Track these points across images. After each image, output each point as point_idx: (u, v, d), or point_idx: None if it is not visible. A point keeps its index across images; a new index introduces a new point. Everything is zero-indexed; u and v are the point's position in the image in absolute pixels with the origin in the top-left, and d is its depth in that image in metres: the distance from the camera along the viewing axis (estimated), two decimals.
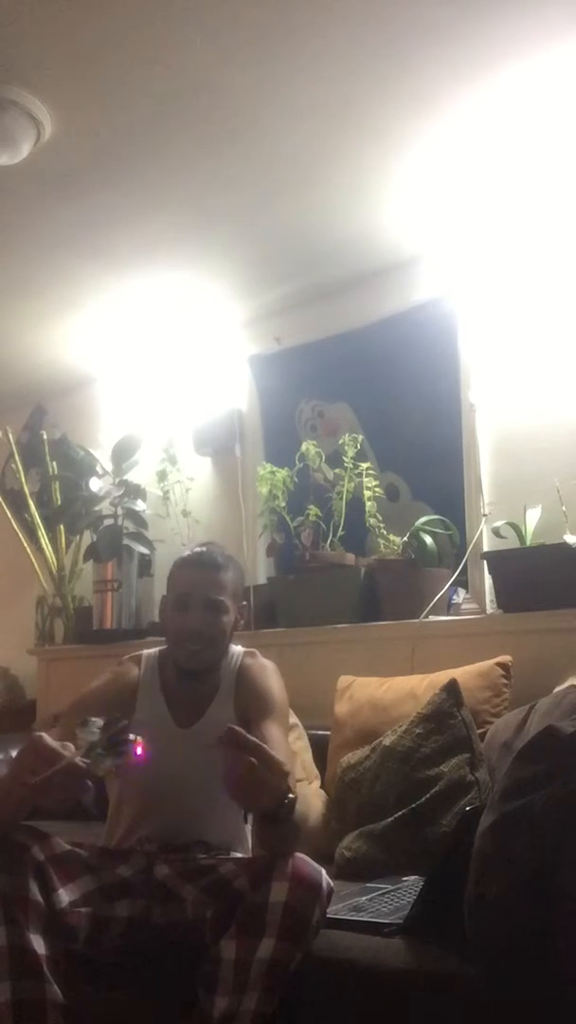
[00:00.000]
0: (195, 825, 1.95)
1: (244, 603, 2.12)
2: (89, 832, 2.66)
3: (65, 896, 1.70)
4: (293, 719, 2.77)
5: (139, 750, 1.58)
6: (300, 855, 1.68)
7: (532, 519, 2.70)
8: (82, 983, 1.72)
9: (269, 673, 2.07)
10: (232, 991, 1.56)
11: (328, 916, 1.75)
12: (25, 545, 4.08)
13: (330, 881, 1.68)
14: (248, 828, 2.02)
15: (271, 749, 1.63)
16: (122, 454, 3.73)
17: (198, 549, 2.11)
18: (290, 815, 1.64)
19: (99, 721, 1.61)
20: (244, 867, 1.75)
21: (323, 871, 1.68)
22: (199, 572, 2.01)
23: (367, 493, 3.05)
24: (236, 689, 2.03)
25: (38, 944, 1.59)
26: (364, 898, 1.92)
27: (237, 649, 2.10)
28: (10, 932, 1.58)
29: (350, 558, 3.11)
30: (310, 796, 2.57)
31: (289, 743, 2.09)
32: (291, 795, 1.62)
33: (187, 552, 2.12)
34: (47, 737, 1.59)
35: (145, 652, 2.12)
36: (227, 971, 1.58)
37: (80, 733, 1.59)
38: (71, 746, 1.56)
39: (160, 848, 1.90)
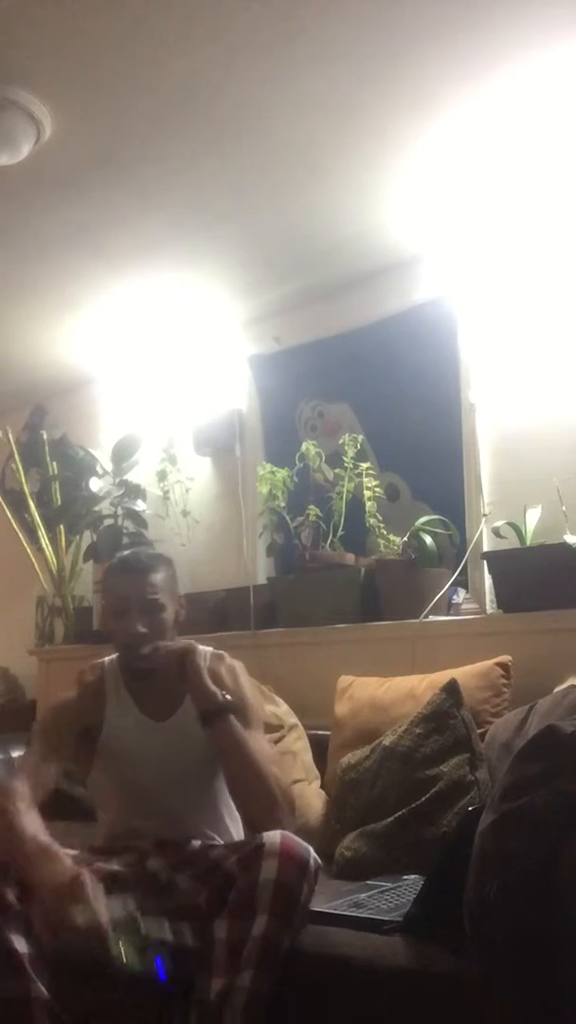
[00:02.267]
0: (183, 815, 1.97)
1: (182, 595, 2.15)
2: (85, 831, 2.67)
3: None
4: (293, 719, 2.78)
5: (162, 972, 1.65)
6: (287, 833, 1.72)
7: (532, 519, 2.70)
8: (76, 983, 1.72)
9: (238, 675, 2.11)
10: (227, 971, 1.59)
11: (327, 912, 1.76)
12: (25, 545, 4.08)
13: (317, 858, 1.72)
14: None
15: (262, 761, 1.88)
16: (122, 454, 3.73)
17: (124, 554, 2.16)
18: (227, 714, 1.89)
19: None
20: (233, 849, 1.78)
21: (311, 848, 1.71)
22: (130, 577, 2.04)
23: (367, 493, 3.05)
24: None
25: (19, 943, 1.62)
26: (364, 895, 1.92)
27: (204, 649, 2.11)
28: None
29: (350, 558, 3.11)
30: (310, 796, 2.57)
31: (270, 745, 2.16)
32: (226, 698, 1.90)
33: (115, 559, 2.16)
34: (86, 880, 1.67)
35: (105, 659, 2.16)
36: (221, 951, 1.61)
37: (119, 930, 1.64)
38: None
39: (153, 845, 1.91)
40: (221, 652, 2.14)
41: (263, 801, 1.85)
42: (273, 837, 1.69)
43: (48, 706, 2.15)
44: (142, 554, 2.12)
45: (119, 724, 2.05)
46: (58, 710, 2.12)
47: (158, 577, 2.04)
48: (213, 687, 1.95)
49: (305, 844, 1.71)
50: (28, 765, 2.03)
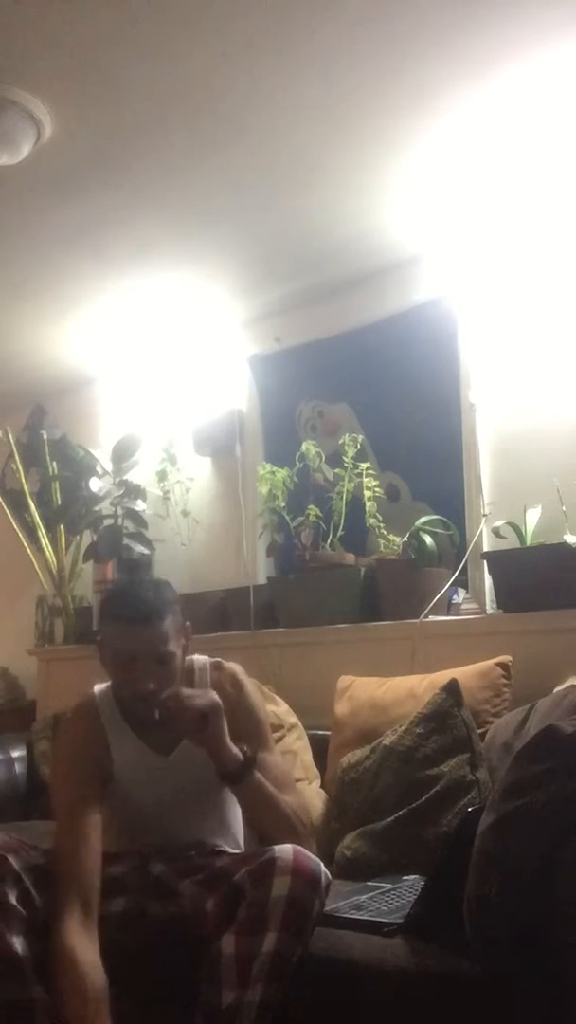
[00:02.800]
0: (190, 836, 1.93)
1: (187, 624, 1.94)
2: None
3: (45, 900, 1.70)
4: (293, 719, 2.78)
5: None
6: (299, 848, 1.69)
7: (532, 519, 2.70)
8: None
9: (246, 687, 2.00)
10: (237, 985, 1.58)
11: (329, 914, 1.76)
12: (25, 545, 4.08)
13: (328, 873, 1.70)
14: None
15: (274, 780, 1.86)
16: (122, 454, 3.72)
17: (125, 590, 1.95)
18: (250, 773, 1.80)
19: None
20: (242, 861, 1.76)
21: (321, 863, 1.69)
22: (138, 629, 1.83)
23: (367, 493, 3.05)
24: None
25: (20, 946, 1.61)
26: (364, 897, 1.92)
27: (202, 662, 2.01)
28: None
29: (350, 558, 3.11)
30: (310, 796, 2.57)
31: (285, 761, 2.09)
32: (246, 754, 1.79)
33: (115, 593, 1.97)
34: None
35: (96, 690, 1.99)
36: (230, 965, 1.60)
37: None
38: None
39: (156, 850, 1.90)
40: (218, 660, 2.03)
41: (284, 837, 1.78)
42: (285, 852, 1.66)
43: (56, 774, 1.91)
44: (143, 597, 1.86)
45: (124, 759, 1.91)
46: (71, 770, 1.89)
47: (168, 623, 1.85)
48: (234, 748, 1.81)
49: (316, 859, 1.69)
50: (69, 845, 1.78)
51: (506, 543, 2.75)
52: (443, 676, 2.42)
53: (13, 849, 1.71)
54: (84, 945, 1.63)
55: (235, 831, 2.00)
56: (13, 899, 1.65)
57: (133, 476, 3.71)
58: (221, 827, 1.97)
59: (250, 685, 2.03)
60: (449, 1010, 1.57)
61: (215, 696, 1.83)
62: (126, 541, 3.57)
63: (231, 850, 1.94)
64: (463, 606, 2.94)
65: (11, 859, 1.69)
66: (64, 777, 1.91)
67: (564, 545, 2.52)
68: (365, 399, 3.40)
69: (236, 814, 1.99)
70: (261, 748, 1.91)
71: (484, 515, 2.91)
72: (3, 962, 1.59)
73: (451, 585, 2.88)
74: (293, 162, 2.62)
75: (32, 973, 1.60)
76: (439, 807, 2.17)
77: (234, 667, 2.03)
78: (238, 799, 1.88)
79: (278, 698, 2.83)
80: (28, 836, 1.83)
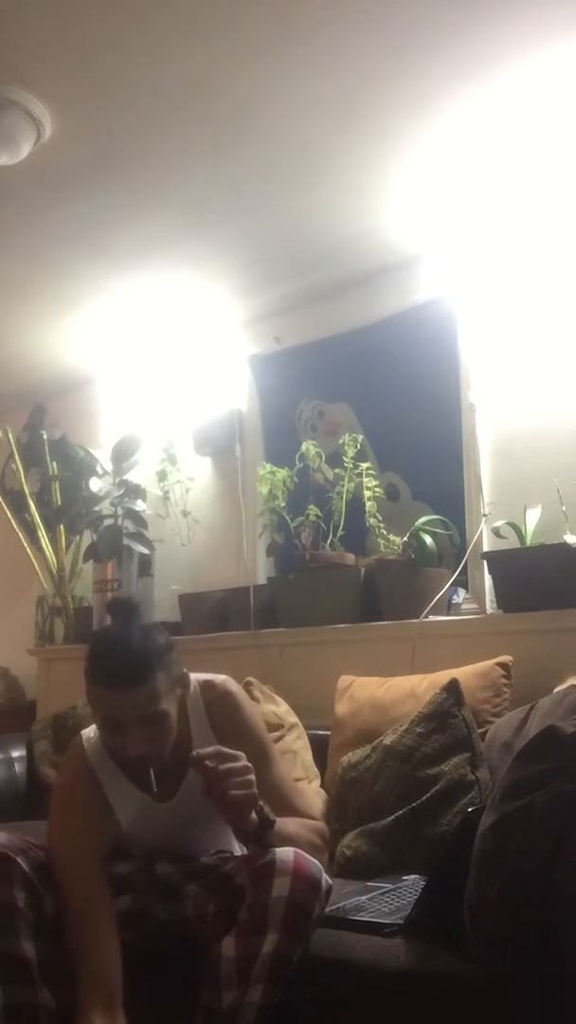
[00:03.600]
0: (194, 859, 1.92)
1: (184, 672, 1.81)
2: None
3: (52, 905, 1.69)
4: (293, 719, 2.78)
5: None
6: (299, 851, 1.68)
7: (532, 519, 2.70)
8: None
9: (236, 702, 1.90)
10: (237, 986, 1.58)
11: (329, 915, 1.76)
12: (25, 545, 4.08)
13: (329, 879, 1.69)
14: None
15: (272, 790, 1.78)
16: (122, 454, 3.72)
17: (110, 648, 1.74)
18: (268, 832, 1.69)
19: None
20: (244, 862, 1.75)
21: (322, 868, 1.69)
22: (124, 693, 1.68)
23: (367, 493, 3.05)
24: (216, 734, 1.85)
25: (28, 950, 1.61)
26: (364, 897, 1.92)
27: (193, 682, 1.87)
28: (1, 941, 1.59)
29: (350, 558, 3.11)
30: (310, 795, 2.57)
31: (287, 769, 2.01)
32: (268, 818, 1.69)
33: (97, 653, 1.74)
34: None
35: (84, 738, 1.86)
36: (230, 967, 1.60)
37: None
38: None
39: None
40: (208, 680, 1.90)
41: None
42: (285, 854, 1.66)
43: (55, 837, 1.76)
44: (127, 657, 1.70)
45: (126, 814, 1.82)
46: (73, 852, 1.75)
47: (154, 683, 1.69)
48: (251, 815, 1.68)
49: (316, 862, 1.68)
50: (83, 947, 1.65)
51: (506, 543, 2.75)
52: (443, 676, 2.42)
53: (21, 849, 1.70)
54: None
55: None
56: (21, 902, 1.64)
57: (133, 476, 3.71)
58: (227, 839, 1.95)
59: (243, 699, 1.93)
60: (449, 1010, 1.57)
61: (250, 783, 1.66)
62: (126, 541, 3.57)
63: (237, 852, 1.94)
64: (463, 606, 2.94)
65: (20, 860, 1.67)
66: (70, 859, 1.73)
67: (564, 545, 2.52)
68: (365, 399, 3.40)
69: None
70: (264, 764, 1.81)
71: (484, 515, 2.91)
72: (12, 965, 1.59)
73: (451, 585, 2.88)
74: (293, 162, 2.62)
75: (39, 977, 1.60)
76: (439, 807, 2.17)
77: (226, 684, 1.91)
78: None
79: (278, 698, 2.83)
80: (29, 836, 1.83)
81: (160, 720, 1.71)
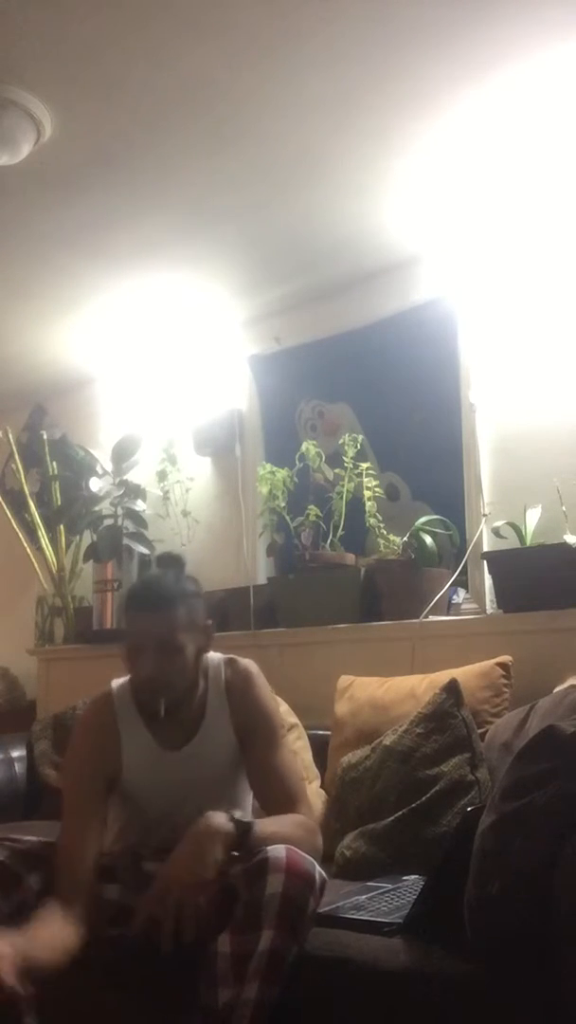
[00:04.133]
0: None
1: (209, 622, 1.99)
2: None
3: (38, 880, 1.69)
4: (293, 719, 2.78)
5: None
6: (292, 848, 1.69)
7: (532, 519, 2.70)
8: (79, 981, 1.72)
9: (258, 684, 2.01)
10: (233, 983, 1.58)
11: (328, 914, 1.76)
12: (25, 545, 4.08)
13: (323, 873, 1.70)
14: None
15: (275, 774, 1.87)
16: (122, 454, 3.72)
17: (146, 581, 2.01)
18: (248, 841, 1.71)
19: None
20: (236, 861, 1.75)
21: (316, 863, 1.69)
22: (145, 615, 1.90)
23: (367, 493, 3.05)
24: (230, 707, 1.98)
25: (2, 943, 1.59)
26: (364, 897, 1.92)
27: (216, 660, 2.03)
28: None
29: (350, 558, 3.11)
30: (310, 796, 2.56)
31: (293, 755, 2.07)
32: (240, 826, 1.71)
33: (137, 584, 2.03)
34: None
35: (114, 685, 2.02)
36: (226, 965, 1.60)
37: None
38: None
39: (150, 852, 1.90)
40: (232, 657, 2.04)
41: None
42: (278, 852, 1.66)
43: (66, 769, 1.98)
44: (163, 584, 1.93)
45: (136, 757, 1.94)
46: (77, 771, 1.95)
47: (178, 613, 1.89)
48: (225, 829, 1.74)
49: (309, 858, 1.68)
50: (68, 840, 1.84)
51: (506, 543, 2.75)
52: (443, 676, 2.42)
53: None
54: (62, 910, 1.69)
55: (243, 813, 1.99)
56: None
57: (133, 476, 3.71)
58: (235, 804, 1.97)
59: (262, 683, 2.04)
60: (449, 1010, 1.57)
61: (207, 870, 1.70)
62: (126, 541, 3.57)
63: None
64: (463, 606, 2.94)
65: None
66: (74, 773, 1.96)
67: (564, 545, 2.52)
68: (365, 399, 3.40)
69: (246, 806, 2.01)
70: (268, 746, 1.93)
71: (484, 515, 2.91)
72: None
73: (451, 585, 2.88)
74: (293, 162, 2.62)
75: (14, 970, 1.57)
76: (439, 807, 2.17)
77: (248, 665, 2.04)
78: None
79: (278, 698, 2.82)
80: (28, 835, 1.84)
81: (175, 651, 1.87)
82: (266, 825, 1.79)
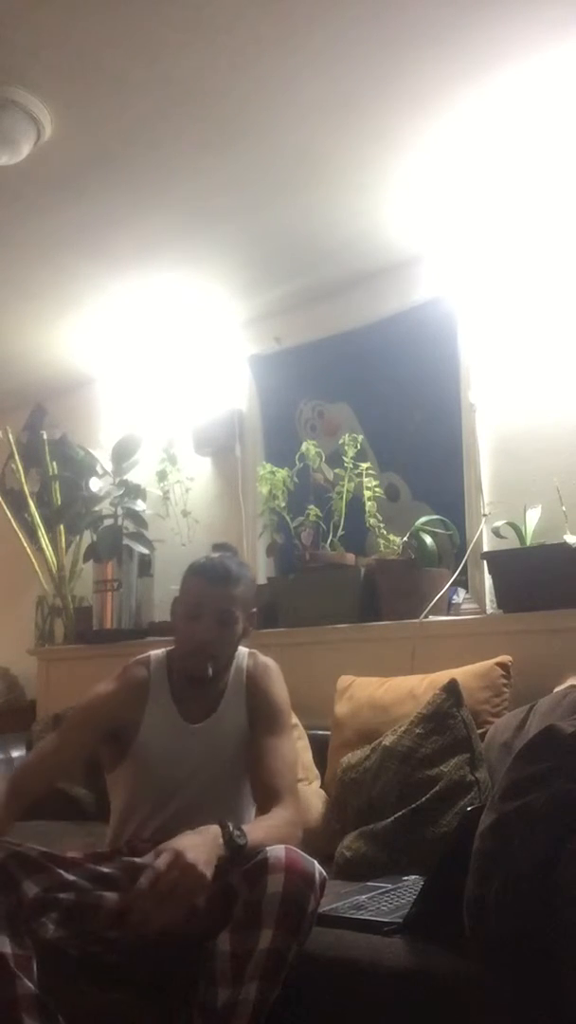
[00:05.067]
0: (207, 815, 1.94)
1: (254, 610, 2.15)
2: (84, 831, 2.67)
3: (33, 886, 1.70)
4: (293, 719, 2.78)
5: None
6: (291, 847, 1.70)
7: (532, 519, 2.70)
8: (80, 981, 1.72)
9: (275, 678, 2.14)
10: (233, 982, 1.58)
11: (329, 914, 1.76)
12: (25, 545, 4.08)
13: (323, 871, 1.70)
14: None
15: (271, 760, 1.95)
16: (122, 454, 3.73)
17: (213, 557, 2.14)
18: (242, 852, 1.71)
19: None
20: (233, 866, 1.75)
21: (316, 862, 1.70)
22: (213, 585, 2.04)
23: (367, 493, 3.05)
24: (247, 692, 2.10)
25: (2, 944, 1.59)
26: (364, 896, 1.92)
27: (241, 649, 2.15)
28: None
29: (350, 558, 3.11)
30: (310, 796, 2.57)
31: (294, 748, 2.15)
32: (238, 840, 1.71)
33: (203, 559, 2.13)
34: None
35: (152, 654, 2.16)
36: (226, 964, 1.60)
37: None
38: None
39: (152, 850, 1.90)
40: (255, 651, 2.18)
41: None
42: (278, 852, 1.67)
43: (88, 696, 2.11)
44: (230, 562, 2.10)
45: (156, 724, 2.05)
46: (97, 702, 2.09)
47: (239, 590, 2.06)
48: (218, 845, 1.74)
49: (310, 858, 1.69)
50: (44, 748, 2.09)
51: (506, 543, 2.75)
52: (443, 676, 2.42)
53: None
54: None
55: (246, 809, 2.04)
56: None
57: (133, 476, 3.71)
58: (238, 799, 2.03)
59: (280, 680, 2.16)
60: (448, 1009, 1.57)
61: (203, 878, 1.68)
62: (126, 541, 3.58)
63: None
64: (463, 606, 2.94)
65: None
66: (87, 705, 2.09)
67: (564, 545, 2.52)
68: (365, 399, 3.40)
69: (246, 797, 2.05)
70: (269, 733, 2.03)
71: (484, 515, 2.91)
72: None
73: (451, 585, 2.88)
74: (293, 162, 2.62)
75: (17, 968, 1.58)
76: (439, 807, 2.17)
77: (269, 661, 2.17)
78: None
79: None
80: (29, 836, 1.84)
81: (229, 622, 2.03)
82: (255, 833, 1.79)
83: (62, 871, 1.74)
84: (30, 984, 1.59)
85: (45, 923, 1.68)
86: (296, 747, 2.19)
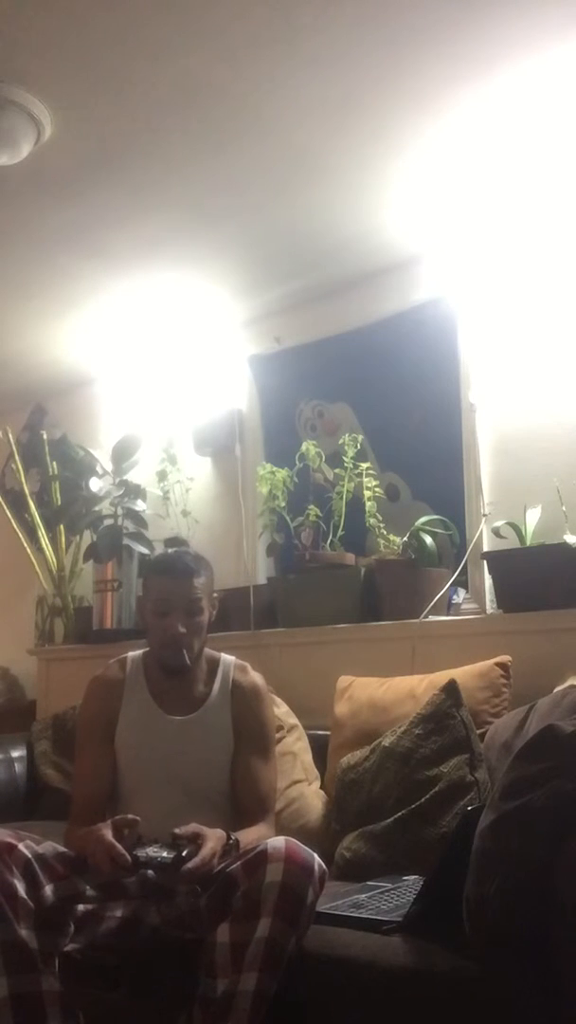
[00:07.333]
0: (192, 811, 1.96)
1: (215, 594, 2.26)
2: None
3: (51, 893, 1.71)
4: (293, 719, 2.78)
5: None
6: (291, 839, 1.72)
7: (532, 519, 2.70)
8: (81, 983, 1.73)
9: (265, 699, 2.21)
10: (232, 973, 1.59)
11: (328, 912, 1.76)
12: (25, 545, 4.08)
13: (323, 864, 1.72)
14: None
15: (258, 783, 2.04)
16: (122, 454, 3.73)
17: (170, 553, 2.24)
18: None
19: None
20: (236, 857, 1.76)
21: (315, 855, 1.71)
22: (177, 581, 2.13)
23: (367, 493, 3.05)
24: (232, 699, 2.17)
25: (30, 939, 1.63)
26: (364, 895, 1.92)
27: (228, 660, 2.23)
28: (2, 929, 1.61)
29: (350, 558, 3.11)
30: (310, 796, 2.57)
31: (276, 775, 2.22)
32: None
33: (160, 557, 2.26)
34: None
35: (130, 654, 2.25)
36: (225, 954, 1.61)
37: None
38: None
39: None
40: (245, 664, 2.26)
41: None
42: (277, 843, 1.70)
43: (80, 714, 2.26)
44: (187, 557, 2.19)
45: (133, 715, 2.13)
46: (84, 712, 2.22)
47: (201, 581, 2.15)
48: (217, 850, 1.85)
49: (309, 850, 1.71)
50: (83, 770, 2.14)
51: (506, 543, 2.75)
52: (443, 676, 2.42)
53: (20, 839, 1.74)
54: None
55: (229, 812, 2.07)
56: (23, 891, 1.66)
57: (133, 476, 3.71)
58: (221, 815, 2.01)
59: (266, 695, 2.23)
60: (448, 1009, 1.57)
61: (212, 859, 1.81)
62: (126, 541, 3.57)
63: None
64: (463, 606, 2.94)
65: (21, 848, 1.71)
66: (83, 719, 2.21)
67: (564, 545, 2.52)
68: (365, 399, 3.40)
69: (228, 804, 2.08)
70: (258, 756, 2.11)
71: (484, 515, 2.91)
72: (14, 954, 1.61)
73: (451, 585, 2.88)
74: (293, 162, 2.62)
75: (42, 964, 1.62)
76: (439, 808, 2.17)
77: (256, 676, 2.24)
78: None
79: (278, 699, 2.82)
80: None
81: (197, 612, 2.12)
82: (247, 837, 1.90)
83: (76, 879, 1.76)
84: (55, 981, 1.61)
85: (65, 928, 1.72)
86: (277, 771, 2.25)
